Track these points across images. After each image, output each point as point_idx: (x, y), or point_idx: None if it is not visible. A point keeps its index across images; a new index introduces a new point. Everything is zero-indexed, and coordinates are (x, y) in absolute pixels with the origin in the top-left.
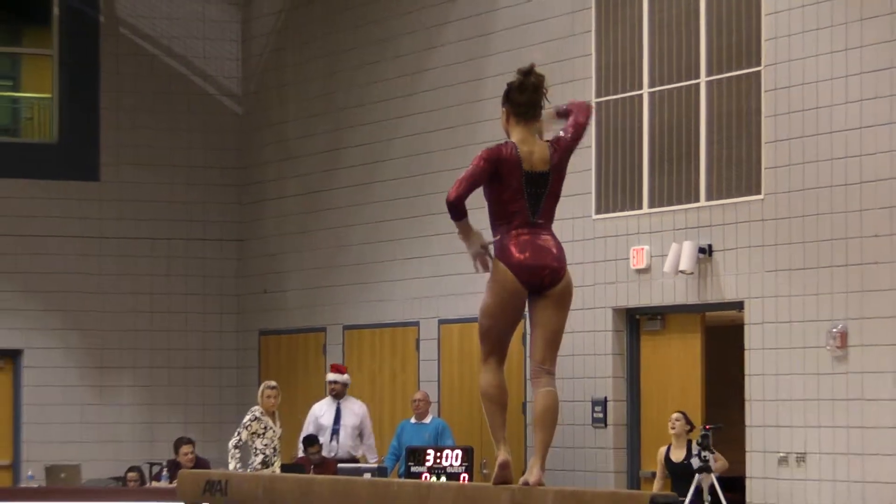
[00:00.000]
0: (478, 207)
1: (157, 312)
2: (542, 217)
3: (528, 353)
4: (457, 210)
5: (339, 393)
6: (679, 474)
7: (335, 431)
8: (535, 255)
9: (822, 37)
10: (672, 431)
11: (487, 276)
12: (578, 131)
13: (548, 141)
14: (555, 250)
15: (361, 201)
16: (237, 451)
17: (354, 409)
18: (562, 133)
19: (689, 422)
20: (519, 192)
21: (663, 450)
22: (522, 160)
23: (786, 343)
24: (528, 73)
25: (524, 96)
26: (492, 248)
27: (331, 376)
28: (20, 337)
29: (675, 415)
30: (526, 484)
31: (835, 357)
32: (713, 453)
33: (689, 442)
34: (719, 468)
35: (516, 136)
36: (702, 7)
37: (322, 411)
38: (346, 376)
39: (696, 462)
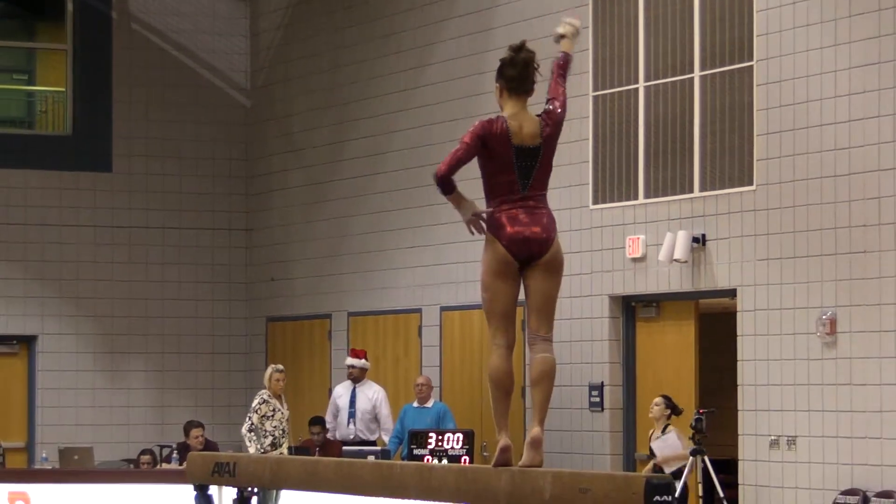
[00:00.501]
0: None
1: (167, 300)
2: (534, 189)
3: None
4: (444, 185)
5: (356, 377)
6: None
7: (351, 415)
8: (523, 227)
9: (813, 33)
10: (651, 415)
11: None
12: (565, 103)
13: (538, 115)
14: (544, 220)
15: (365, 192)
16: (252, 434)
17: (368, 394)
18: (551, 106)
19: (670, 405)
20: (509, 166)
21: (650, 433)
22: (512, 134)
23: (777, 329)
24: (518, 49)
25: (515, 70)
26: (486, 216)
27: (349, 360)
28: (35, 323)
29: (657, 399)
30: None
31: (824, 343)
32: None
33: (666, 426)
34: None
35: (508, 110)
36: (696, 3)
37: (340, 394)
38: (363, 361)
39: (687, 445)
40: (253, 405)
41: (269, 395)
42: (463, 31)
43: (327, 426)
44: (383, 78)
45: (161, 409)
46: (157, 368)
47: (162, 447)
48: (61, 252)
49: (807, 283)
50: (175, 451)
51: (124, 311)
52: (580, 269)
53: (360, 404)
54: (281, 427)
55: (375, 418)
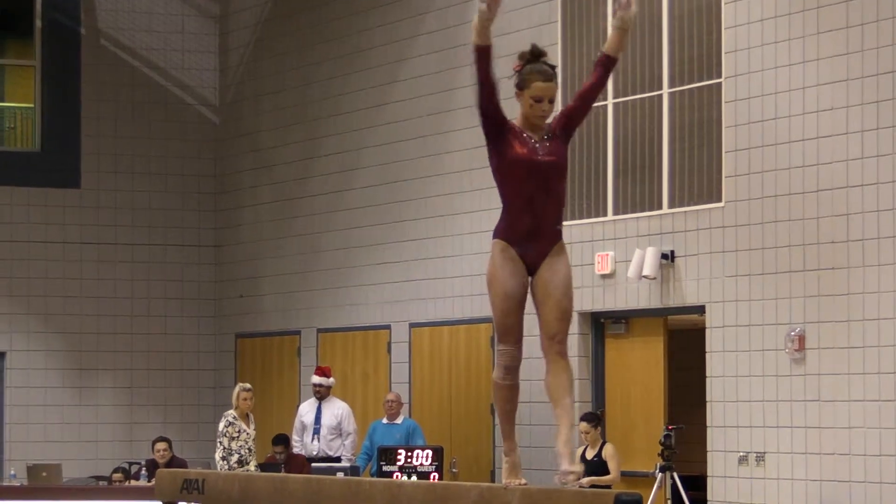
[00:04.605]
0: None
1: (136, 316)
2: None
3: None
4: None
5: (323, 395)
6: (591, 470)
7: (316, 431)
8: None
9: (781, 50)
10: (586, 442)
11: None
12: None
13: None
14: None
15: (335, 208)
16: (224, 462)
17: (334, 411)
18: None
19: (597, 422)
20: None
21: (580, 450)
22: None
23: (745, 346)
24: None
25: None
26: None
27: (315, 379)
28: (3, 339)
29: (580, 424)
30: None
31: (793, 359)
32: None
33: (604, 443)
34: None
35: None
36: (664, 20)
37: (305, 411)
38: (330, 380)
39: (616, 468)
40: (220, 428)
41: (235, 417)
42: (431, 49)
43: (293, 444)
44: (353, 94)
45: (130, 426)
46: (126, 385)
47: (130, 464)
48: (30, 268)
49: (775, 299)
50: (143, 468)
51: (93, 327)
52: None
53: (326, 420)
54: (247, 447)
55: (340, 434)
